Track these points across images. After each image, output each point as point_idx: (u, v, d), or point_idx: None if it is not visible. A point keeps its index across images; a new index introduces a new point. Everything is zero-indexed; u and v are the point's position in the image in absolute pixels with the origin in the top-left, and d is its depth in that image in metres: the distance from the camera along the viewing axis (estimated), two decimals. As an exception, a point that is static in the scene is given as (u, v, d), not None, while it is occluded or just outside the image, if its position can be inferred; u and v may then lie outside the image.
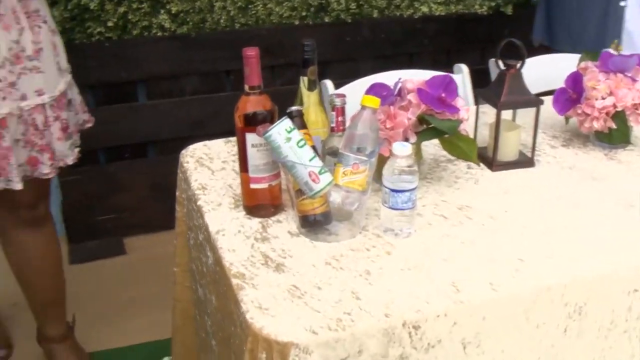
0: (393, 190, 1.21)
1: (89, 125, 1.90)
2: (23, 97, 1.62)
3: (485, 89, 1.53)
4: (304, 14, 2.65)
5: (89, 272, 2.56)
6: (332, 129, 1.32)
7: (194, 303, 1.58)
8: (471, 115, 1.45)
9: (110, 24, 2.42)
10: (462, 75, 1.96)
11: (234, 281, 1.13)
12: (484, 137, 1.53)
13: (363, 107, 1.21)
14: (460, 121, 1.33)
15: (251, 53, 1.23)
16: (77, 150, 1.82)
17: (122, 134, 2.61)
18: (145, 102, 2.65)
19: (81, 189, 2.61)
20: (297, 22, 2.66)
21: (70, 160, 1.80)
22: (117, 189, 2.68)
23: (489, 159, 1.50)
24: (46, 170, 1.72)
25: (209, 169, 1.51)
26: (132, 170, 2.69)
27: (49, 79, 1.67)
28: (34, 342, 2.09)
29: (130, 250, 2.70)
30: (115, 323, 2.30)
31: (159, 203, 2.70)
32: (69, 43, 2.30)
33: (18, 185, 1.66)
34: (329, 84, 1.86)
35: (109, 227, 2.70)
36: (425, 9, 2.80)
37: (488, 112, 1.51)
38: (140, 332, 2.24)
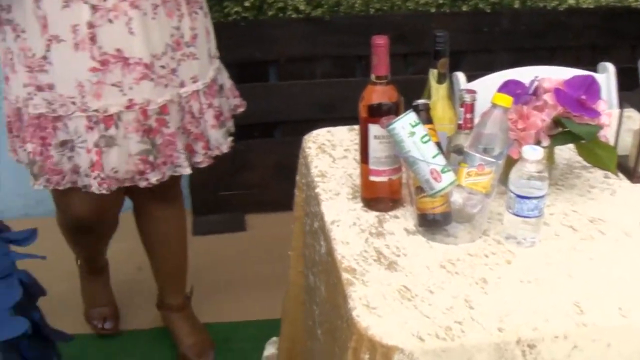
0: (519, 196, 1.13)
1: (241, 109, 1.92)
2: (181, 84, 1.67)
3: (633, 92, 1.41)
4: (441, 1, 2.57)
5: (210, 245, 2.63)
6: (459, 126, 1.25)
7: (304, 289, 1.58)
8: (614, 119, 1.33)
9: (247, 4, 2.45)
10: (607, 75, 1.82)
11: (344, 275, 1.11)
12: (626, 144, 1.41)
13: (494, 105, 1.15)
14: (600, 127, 1.23)
15: (380, 42, 1.19)
16: (230, 139, 1.85)
17: (252, 113, 2.62)
18: (277, 83, 2.67)
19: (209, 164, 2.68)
20: (433, 10, 2.58)
21: (225, 149, 1.83)
22: (243, 166, 2.73)
23: (630, 170, 1.38)
24: (199, 159, 1.76)
25: (330, 156, 1.49)
26: (259, 149, 2.74)
27: (202, 65, 1.71)
28: (154, 306, 2.19)
29: (250, 227, 2.75)
30: (229, 297, 2.36)
31: (283, 183, 2.70)
32: (207, 21, 2.36)
33: (187, 170, 1.70)
34: (460, 76, 1.78)
35: (233, 203, 2.76)
36: (572, 0, 2.63)
37: (634, 117, 1.39)
38: (252, 309, 2.28)
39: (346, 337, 1.06)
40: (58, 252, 2.21)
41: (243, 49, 2.54)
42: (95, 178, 1.61)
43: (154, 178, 1.67)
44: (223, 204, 2.76)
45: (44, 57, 1.53)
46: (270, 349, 2.02)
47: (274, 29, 2.54)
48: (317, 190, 1.37)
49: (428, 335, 0.97)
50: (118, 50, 1.54)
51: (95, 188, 1.62)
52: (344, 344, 1.07)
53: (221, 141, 1.81)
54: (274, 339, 2.01)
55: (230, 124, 1.86)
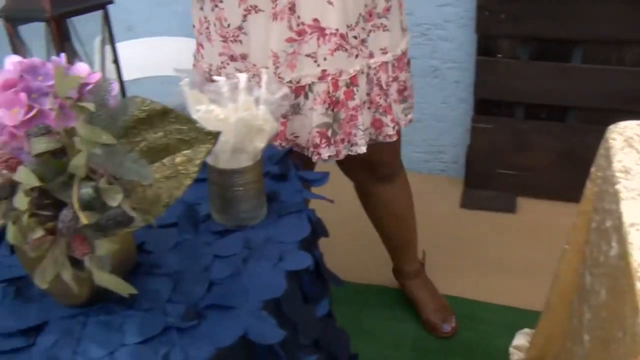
0: None
1: None
2: (370, 55, 1.63)
3: None
4: None
5: (476, 220, 2.60)
6: None
7: (576, 287, 1.48)
8: None
9: (560, -22, 2.31)
10: None
11: (638, 285, 1.00)
12: None
13: None
14: None
15: None
16: (409, 116, 1.79)
17: (545, 93, 2.53)
18: (579, 65, 2.49)
19: (490, 138, 2.63)
20: None
21: (403, 124, 1.78)
22: (524, 147, 2.63)
23: None
24: (390, 132, 1.71)
25: (638, 152, 1.35)
26: (545, 131, 2.60)
27: (393, 37, 1.66)
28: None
29: (520, 211, 2.65)
30: (483, 276, 2.31)
31: (564, 172, 2.58)
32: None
33: (362, 149, 1.66)
34: None
35: (507, 182, 2.68)
36: None
37: None
38: (504, 293, 2.22)
39: (627, 352, 0.97)
40: (339, 197, 2.32)
41: (547, 24, 2.40)
42: (277, 147, 1.63)
43: (326, 154, 1.64)
44: (497, 182, 2.69)
45: (239, 28, 1.54)
46: (520, 339, 1.94)
47: (584, 6, 2.35)
48: (618, 187, 1.25)
49: None
50: (315, 20, 1.52)
51: None
52: (622, 358, 0.98)
53: (400, 116, 1.75)
54: (527, 330, 1.93)
55: (412, 101, 1.79)
